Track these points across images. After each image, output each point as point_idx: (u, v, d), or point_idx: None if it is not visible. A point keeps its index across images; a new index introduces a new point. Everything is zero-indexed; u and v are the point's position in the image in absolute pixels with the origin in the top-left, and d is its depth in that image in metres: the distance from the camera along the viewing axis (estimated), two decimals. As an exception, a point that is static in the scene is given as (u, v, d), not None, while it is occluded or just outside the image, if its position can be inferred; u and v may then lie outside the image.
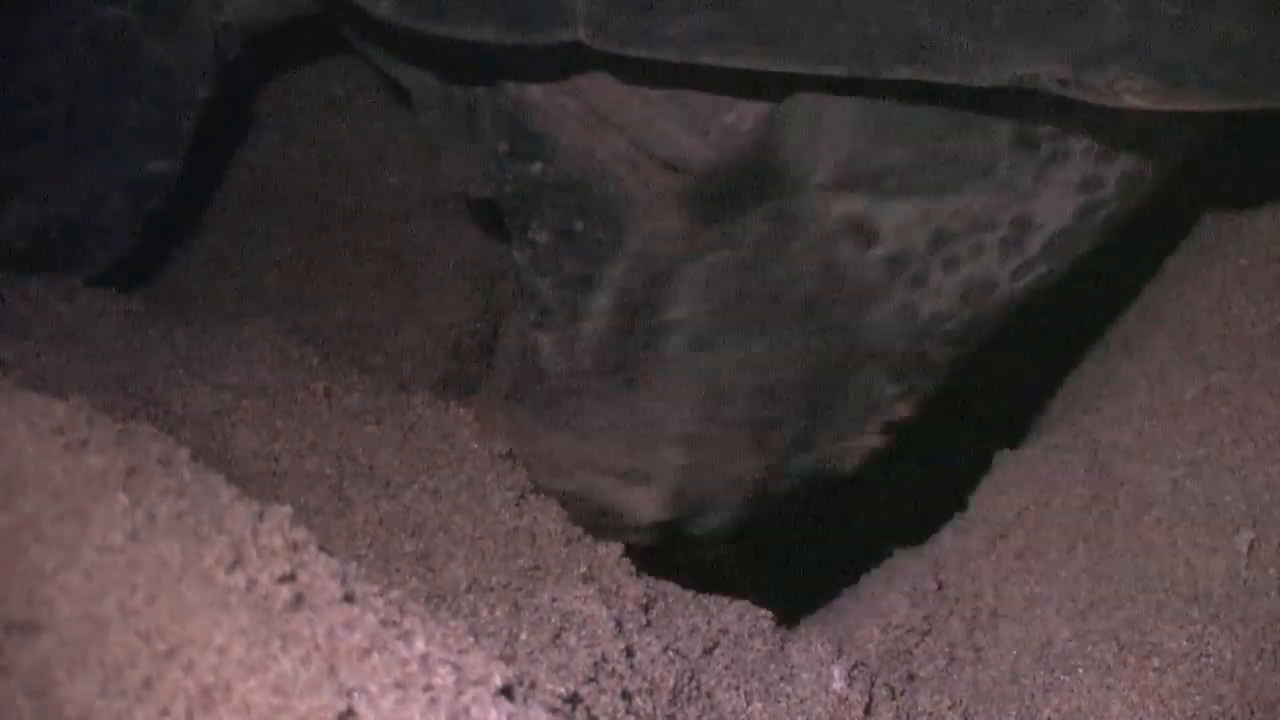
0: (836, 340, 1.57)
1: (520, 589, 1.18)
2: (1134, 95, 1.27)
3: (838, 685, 1.29)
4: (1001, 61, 1.28)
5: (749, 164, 1.51)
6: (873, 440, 1.64)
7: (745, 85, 1.47)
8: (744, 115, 1.54)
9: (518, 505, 1.29)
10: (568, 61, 1.48)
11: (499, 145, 1.63)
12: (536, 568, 1.22)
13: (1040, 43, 1.27)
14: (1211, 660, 1.34)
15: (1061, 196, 1.53)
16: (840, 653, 1.33)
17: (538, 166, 1.60)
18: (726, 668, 1.25)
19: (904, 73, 1.29)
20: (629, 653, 1.15)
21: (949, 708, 1.36)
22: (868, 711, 1.30)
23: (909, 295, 1.55)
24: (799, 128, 1.49)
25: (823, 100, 1.47)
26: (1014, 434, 1.78)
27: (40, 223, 1.67)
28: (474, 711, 0.82)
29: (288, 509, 0.88)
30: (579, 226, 1.61)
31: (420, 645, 0.84)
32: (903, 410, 1.63)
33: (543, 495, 1.36)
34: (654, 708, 1.13)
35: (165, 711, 0.74)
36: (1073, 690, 1.35)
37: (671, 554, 1.56)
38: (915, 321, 1.56)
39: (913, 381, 1.61)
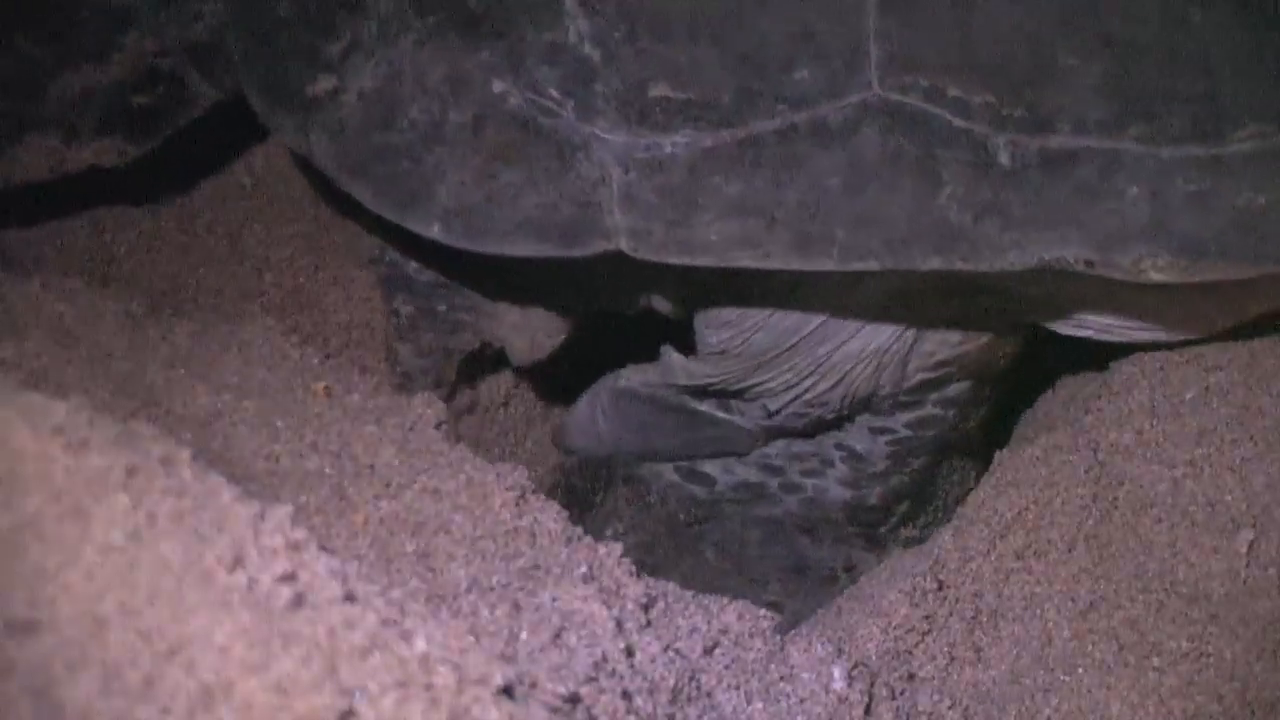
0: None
1: (520, 589, 1.18)
2: (1158, 271, 1.32)
3: (838, 685, 1.29)
4: (1027, 247, 1.31)
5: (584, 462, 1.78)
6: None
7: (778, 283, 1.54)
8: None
9: (518, 505, 1.29)
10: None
11: (390, 240, 1.71)
12: (536, 568, 1.22)
13: (1063, 227, 1.31)
14: (1211, 660, 1.34)
15: (863, 435, 1.70)
16: (840, 653, 1.33)
17: (413, 266, 1.70)
18: (726, 668, 1.24)
19: (935, 263, 1.32)
20: (629, 653, 1.15)
21: (949, 708, 1.36)
22: (868, 711, 1.30)
23: (803, 491, 1.75)
24: (583, 429, 1.75)
25: (593, 405, 1.73)
26: (1014, 434, 1.78)
27: (156, 56, 1.62)
28: (474, 711, 0.82)
29: (288, 509, 0.88)
30: (441, 308, 1.71)
31: (421, 645, 0.84)
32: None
33: (543, 495, 1.36)
34: (654, 708, 1.13)
35: (166, 710, 0.74)
36: (1073, 690, 1.35)
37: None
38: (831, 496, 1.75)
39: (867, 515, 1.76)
